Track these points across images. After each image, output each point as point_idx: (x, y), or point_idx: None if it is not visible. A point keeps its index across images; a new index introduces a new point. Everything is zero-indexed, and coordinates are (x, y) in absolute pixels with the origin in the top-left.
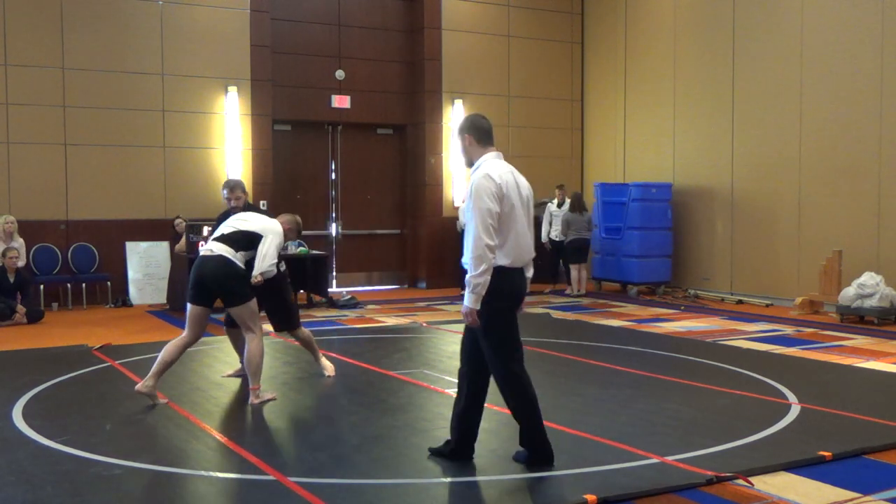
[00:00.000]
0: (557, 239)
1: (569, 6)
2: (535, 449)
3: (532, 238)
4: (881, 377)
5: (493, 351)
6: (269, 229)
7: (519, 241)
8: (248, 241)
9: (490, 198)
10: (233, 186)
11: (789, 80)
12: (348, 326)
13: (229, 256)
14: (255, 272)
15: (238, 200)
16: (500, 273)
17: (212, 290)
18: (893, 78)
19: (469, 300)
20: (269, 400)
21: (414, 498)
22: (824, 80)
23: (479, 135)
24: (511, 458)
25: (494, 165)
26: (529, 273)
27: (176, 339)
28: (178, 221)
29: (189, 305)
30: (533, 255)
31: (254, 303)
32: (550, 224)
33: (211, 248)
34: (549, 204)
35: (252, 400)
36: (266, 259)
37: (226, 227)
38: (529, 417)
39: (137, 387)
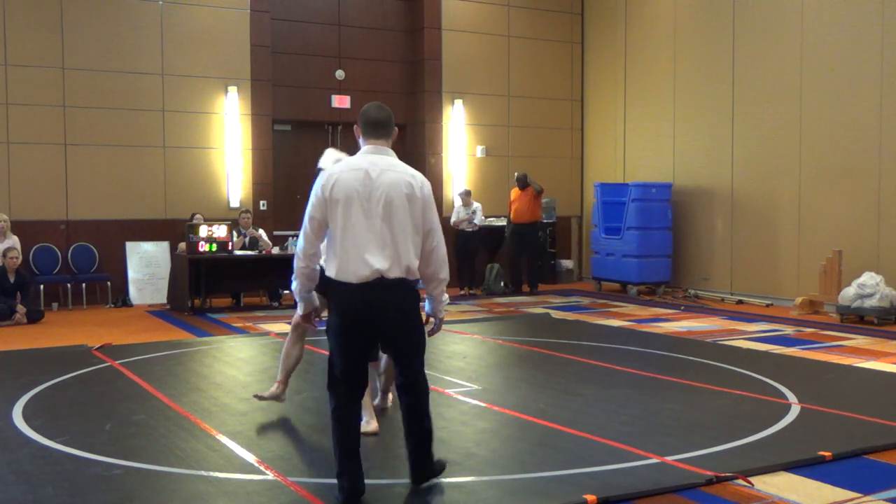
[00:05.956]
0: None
1: (569, 6)
2: (349, 479)
3: (398, 247)
4: (881, 377)
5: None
6: None
7: (351, 251)
8: None
9: (312, 200)
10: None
11: (789, 81)
12: None
13: None
14: None
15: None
16: (332, 285)
17: None
18: (893, 78)
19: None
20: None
21: (413, 498)
22: (824, 80)
23: (364, 126)
24: (511, 459)
25: (348, 161)
26: (433, 290)
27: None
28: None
29: None
30: (373, 268)
31: None
32: None
33: None
34: None
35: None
36: None
37: None
38: (337, 452)
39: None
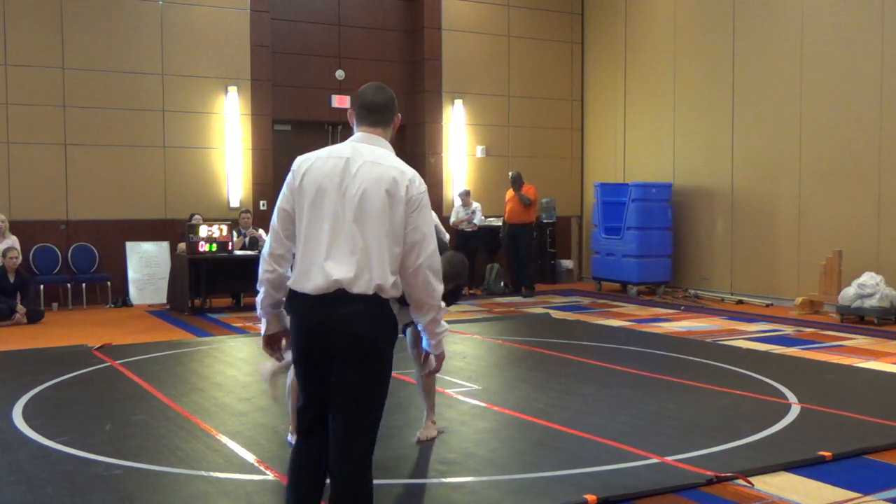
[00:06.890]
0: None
1: (569, 6)
2: None
3: (370, 257)
4: (881, 377)
5: None
6: None
7: (311, 255)
8: None
9: (283, 191)
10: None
11: (789, 81)
12: None
13: None
14: None
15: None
16: (290, 296)
17: None
18: (893, 78)
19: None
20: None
21: (414, 498)
22: (824, 80)
23: (358, 109)
24: (511, 459)
25: (330, 148)
26: (423, 318)
27: None
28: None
29: None
30: (331, 278)
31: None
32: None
33: None
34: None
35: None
36: None
37: None
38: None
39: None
